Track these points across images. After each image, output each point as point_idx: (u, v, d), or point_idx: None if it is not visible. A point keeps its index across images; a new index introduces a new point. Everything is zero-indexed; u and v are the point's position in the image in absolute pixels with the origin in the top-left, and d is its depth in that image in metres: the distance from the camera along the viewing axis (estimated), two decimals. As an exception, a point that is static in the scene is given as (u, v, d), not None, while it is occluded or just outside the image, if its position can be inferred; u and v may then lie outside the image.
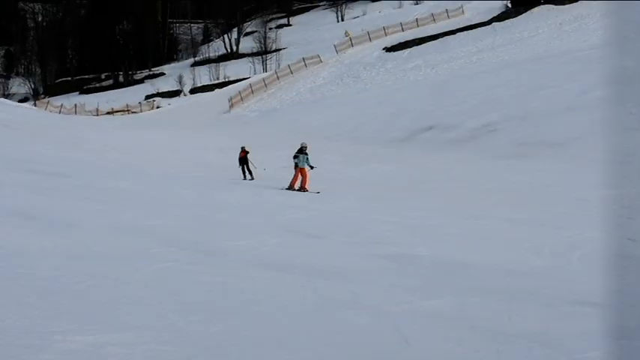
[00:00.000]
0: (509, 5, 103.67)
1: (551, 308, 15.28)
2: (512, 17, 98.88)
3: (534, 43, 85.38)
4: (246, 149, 43.69)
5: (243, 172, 43.40)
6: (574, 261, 20.73)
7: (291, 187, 35.77)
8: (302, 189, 35.18)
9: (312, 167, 36.15)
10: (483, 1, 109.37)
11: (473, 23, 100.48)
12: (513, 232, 25.64)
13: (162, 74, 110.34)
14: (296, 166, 36.10)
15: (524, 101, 60.09)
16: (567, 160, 42.82)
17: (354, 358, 11.05)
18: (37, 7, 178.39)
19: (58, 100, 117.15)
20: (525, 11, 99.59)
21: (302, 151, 36.42)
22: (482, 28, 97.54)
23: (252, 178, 42.75)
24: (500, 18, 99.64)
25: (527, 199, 32.59)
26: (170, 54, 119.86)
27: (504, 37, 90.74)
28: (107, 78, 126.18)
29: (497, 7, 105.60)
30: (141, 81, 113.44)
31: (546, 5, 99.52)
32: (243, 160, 43.40)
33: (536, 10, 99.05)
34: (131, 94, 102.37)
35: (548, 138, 49.53)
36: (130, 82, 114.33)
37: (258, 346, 11.33)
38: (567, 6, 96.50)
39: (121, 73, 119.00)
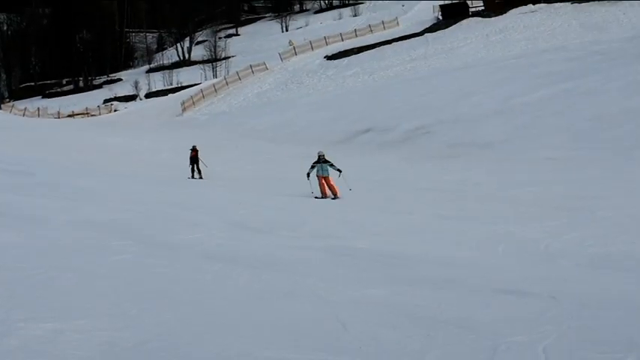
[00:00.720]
0: (440, 17, 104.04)
1: (477, 296, 15.39)
2: (442, 29, 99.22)
3: (463, 52, 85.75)
4: (197, 149, 42.95)
5: (192, 171, 42.65)
6: (499, 253, 20.99)
7: (324, 196, 32.64)
8: (334, 196, 32.45)
9: (339, 171, 32.75)
10: (417, 12, 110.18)
11: (407, 34, 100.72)
12: (444, 227, 25.83)
13: (120, 80, 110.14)
14: (316, 176, 32.85)
15: (454, 106, 60.40)
16: (495, 160, 43.06)
17: (297, 343, 11.09)
18: (2, 16, 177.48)
19: (22, 104, 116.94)
20: (455, 23, 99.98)
21: (319, 160, 33.05)
22: (416, 38, 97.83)
23: (201, 178, 42.09)
24: (431, 29, 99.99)
25: (458, 196, 32.75)
26: (127, 61, 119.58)
27: (436, 47, 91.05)
28: (68, 83, 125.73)
29: (429, 19, 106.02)
30: (99, 86, 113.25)
31: (474, 18, 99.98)
32: (194, 160, 42.63)
33: (464, 22, 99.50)
34: (90, 99, 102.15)
35: (477, 140, 49.78)
36: (90, 87, 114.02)
37: (208, 331, 11.35)
38: (493, 19, 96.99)
39: (81, 78, 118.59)
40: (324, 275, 16.75)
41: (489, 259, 20.30)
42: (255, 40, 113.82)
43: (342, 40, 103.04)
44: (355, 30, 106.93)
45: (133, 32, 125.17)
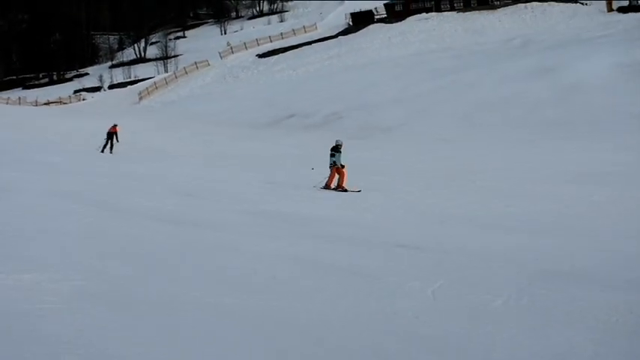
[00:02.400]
0: (351, 23, 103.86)
1: (379, 250, 15.47)
2: (353, 32, 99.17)
3: (370, 51, 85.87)
4: (117, 127, 41.04)
5: (105, 145, 40.38)
6: (399, 216, 21.05)
7: (327, 187, 26.08)
8: (339, 188, 25.80)
9: (342, 166, 26.19)
10: (332, 18, 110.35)
11: (324, 37, 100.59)
12: (354, 196, 25.85)
13: (87, 74, 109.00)
14: (333, 165, 26.02)
15: (362, 95, 60.64)
16: (395, 140, 43.26)
17: (234, 288, 11.18)
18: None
19: (5, 94, 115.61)
20: (363, 28, 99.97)
21: (337, 149, 26.26)
22: (331, 40, 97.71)
23: (111, 152, 39.97)
24: (344, 33, 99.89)
25: (364, 170, 32.75)
26: (93, 58, 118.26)
27: (347, 47, 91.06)
28: (44, 77, 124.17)
29: (341, 25, 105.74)
30: (70, 79, 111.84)
31: (378, 24, 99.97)
32: (110, 135, 40.54)
33: (371, 27, 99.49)
34: (63, 89, 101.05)
35: (380, 124, 50.00)
36: (62, 80, 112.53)
37: (161, 280, 11.44)
38: (394, 24, 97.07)
39: (55, 73, 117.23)
40: (257, 234, 16.82)
41: (391, 221, 20.40)
42: (199, 41, 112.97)
43: (271, 41, 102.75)
44: (281, 33, 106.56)
45: (97, 34, 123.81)
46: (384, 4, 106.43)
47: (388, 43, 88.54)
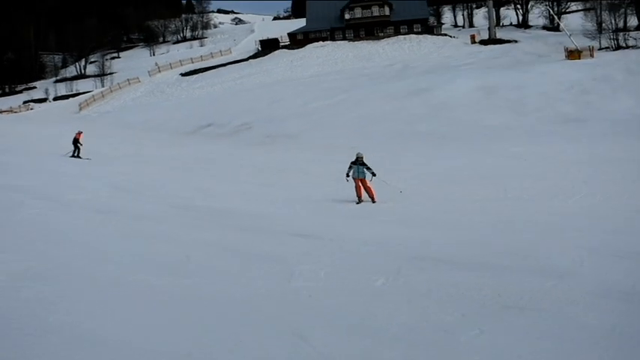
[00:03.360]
0: (260, 48, 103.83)
1: (278, 238, 15.73)
2: (261, 56, 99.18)
3: (275, 73, 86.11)
4: (81, 133, 38.69)
5: (74, 151, 38.10)
6: (297, 209, 21.37)
7: (360, 199, 22.62)
8: (372, 200, 22.36)
9: (373, 175, 22.81)
10: (245, 43, 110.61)
11: (237, 59, 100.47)
12: (260, 191, 26.06)
13: (35, 87, 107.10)
14: (353, 178, 22.80)
15: (269, 109, 60.78)
16: (297, 146, 43.43)
17: (155, 267, 11.77)
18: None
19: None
20: (270, 53, 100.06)
21: (356, 161, 23.02)
22: (243, 62, 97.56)
23: (79, 157, 37.44)
24: (254, 57, 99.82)
25: (270, 171, 32.90)
26: (40, 74, 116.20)
27: (257, 69, 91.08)
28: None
29: (252, 50, 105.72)
30: (20, 92, 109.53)
31: (283, 49, 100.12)
32: (76, 141, 38.09)
33: (276, 52, 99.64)
34: (13, 100, 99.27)
35: (285, 132, 50.16)
36: (13, 92, 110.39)
37: (96, 259, 11.88)
38: (296, 50, 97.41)
39: (7, 86, 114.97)
40: (177, 224, 17.02)
41: (289, 213, 20.70)
42: (131, 61, 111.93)
43: (192, 62, 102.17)
44: (201, 56, 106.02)
45: (44, 54, 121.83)
46: (288, 34, 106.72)
47: (291, 66, 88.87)
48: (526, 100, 51.31)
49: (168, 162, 34.67)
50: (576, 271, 12.28)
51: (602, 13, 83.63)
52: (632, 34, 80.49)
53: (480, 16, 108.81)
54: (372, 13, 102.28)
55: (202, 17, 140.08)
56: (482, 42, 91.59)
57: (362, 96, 60.71)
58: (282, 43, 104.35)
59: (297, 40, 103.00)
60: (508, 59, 75.02)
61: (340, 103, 58.80)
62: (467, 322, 9.59)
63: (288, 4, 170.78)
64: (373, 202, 21.98)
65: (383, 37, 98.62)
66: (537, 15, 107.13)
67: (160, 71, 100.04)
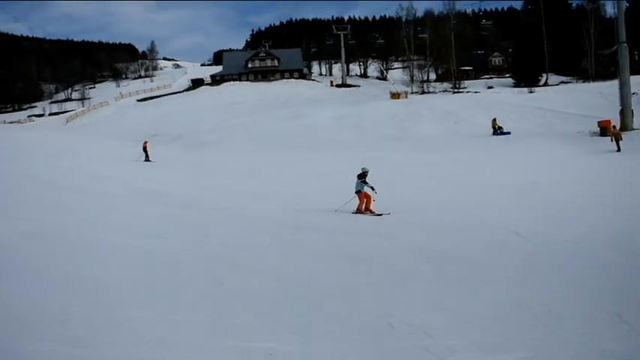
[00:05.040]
0: (191, 85, 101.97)
1: (203, 211, 15.72)
2: (192, 90, 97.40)
3: (201, 101, 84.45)
4: (148, 143, 35.84)
5: (146, 156, 34.37)
6: (216, 191, 21.08)
7: (359, 211, 16.34)
8: (367, 211, 16.36)
9: (372, 189, 16.24)
10: (181, 81, 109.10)
11: (175, 91, 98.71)
12: (193, 180, 25.58)
13: (36, 106, 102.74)
14: (358, 191, 16.71)
15: (196, 125, 59.95)
16: (214, 151, 42.95)
17: (130, 233, 11.31)
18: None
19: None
20: (197, 87, 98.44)
21: (363, 176, 16.76)
22: (180, 93, 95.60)
23: (150, 161, 33.76)
24: (187, 90, 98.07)
25: (196, 167, 32.50)
26: (39, 97, 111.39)
27: (189, 98, 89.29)
28: (9, 107, 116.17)
29: (185, 85, 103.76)
30: (25, 109, 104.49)
31: (206, 86, 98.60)
32: (145, 149, 34.60)
33: (202, 87, 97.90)
34: (20, 115, 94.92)
35: (207, 141, 49.53)
36: (20, 109, 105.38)
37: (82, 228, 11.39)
38: (215, 87, 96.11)
39: (16, 104, 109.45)
40: (126, 204, 16.60)
41: (209, 194, 20.26)
42: (103, 91, 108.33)
43: (145, 92, 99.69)
44: (151, 88, 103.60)
45: (43, 83, 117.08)
46: (210, 75, 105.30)
47: (211, 97, 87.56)
48: (364, 124, 52.23)
49: (126, 160, 33.70)
50: (395, 235, 12.79)
51: (414, 69, 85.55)
52: (432, 84, 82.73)
53: (336, 68, 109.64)
54: (266, 63, 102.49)
55: (152, 62, 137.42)
56: (337, 85, 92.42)
57: (259, 118, 60.65)
58: (206, 82, 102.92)
59: (216, 80, 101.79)
60: (354, 97, 75.95)
61: (245, 123, 58.54)
62: (319, 265, 9.95)
63: (211, 54, 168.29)
64: (371, 213, 15.98)
65: (273, 80, 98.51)
66: (373, 69, 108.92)
67: (122, 98, 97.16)
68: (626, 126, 37.70)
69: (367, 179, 16.11)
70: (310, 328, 6.72)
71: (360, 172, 16.58)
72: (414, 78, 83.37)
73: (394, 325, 6.76)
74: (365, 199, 16.08)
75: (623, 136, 32.27)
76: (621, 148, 30.75)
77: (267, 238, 12.14)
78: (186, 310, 7.03)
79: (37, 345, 5.52)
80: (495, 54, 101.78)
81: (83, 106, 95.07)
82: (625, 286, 8.26)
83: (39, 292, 7.17)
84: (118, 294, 7.51)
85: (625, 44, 39.97)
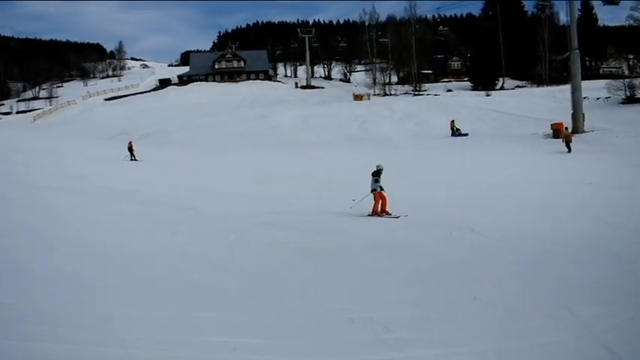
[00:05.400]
0: (158, 84, 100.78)
1: (168, 208, 15.62)
2: (159, 89, 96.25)
3: (168, 101, 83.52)
4: (132, 142, 35.24)
5: (131, 156, 33.67)
6: (181, 189, 20.89)
7: (375, 213, 14.83)
8: (383, 212, 14.86)
9: (381, 189, 15.00)
10: (150, 80, 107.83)
11: (143, 91, 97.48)
12: (159, 176, 25.37)
13: (3, 104, 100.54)
14: (374, 190, 15.15)
15: (163, 124, 59.35)
16: (180, 149, 42.63)
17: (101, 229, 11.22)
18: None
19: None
20: (165, 87, 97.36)
21: (378, 173, 15.38)
22: (147, 93, 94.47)
23: (135, 160, 33.14)
24: (154, 89, 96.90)
25: (166, 163, 32.27)
26: (7, 96, 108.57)
27: (156, 98, 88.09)
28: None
29: (153, 85, 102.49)
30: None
31: (173, 86, 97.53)
32: (130, 148, 33.99)
33: (169, 87, 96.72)
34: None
35: (174, 140, 49.18)
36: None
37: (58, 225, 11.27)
38: (182, 87, 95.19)
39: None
40: (100, 202, 16.47)
41: (175, 192, 20.14)
42: (71, 90, 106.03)
43: (112, 91, 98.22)
44: (119, 88, 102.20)
45: (11, 81, 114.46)
46: (177, 76, 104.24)
47: (178, 97, 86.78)
48: (328, 125, 52.35)
49: (96, 156, 33.27)
50: (356, 232, 12.88)
51: (376, 72, 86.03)
52: (394, 86, 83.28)
53: (301, 70, 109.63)
54: (232, 64, 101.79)
55: (120, 62, 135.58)
56: (302, 87, 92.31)
57: (225, 118, 60.34)
58: (173, 82, 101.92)
59: (183, 81, 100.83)
60: (318, 99, 76.03)
61: (211, 123, 58.15)
62: (282, 262, 10.01)
63: (178, 55, 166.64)
64: (387, 214, 14.69)
65: (239, 81, 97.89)
66: (337, 72, 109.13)
67: (90, 97, 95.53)
68: (577, 128, 38.66)
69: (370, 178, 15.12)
70: (273, 322, 6.77)
71: (375, 169, 15.28)
72: (376, 80, 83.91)
73: (355, 319, 6.84)
74: (380, 200, 14.80)
75: (572, 138, 33.02)
76: (572, 149, 31.51)
77: (233, 236, 12.12)
78: (155, 306, 7.05)
79: (18, 342, 5.52)
80: (454, 58, 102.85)
81: (51, 105, 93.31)
82: (575, 280, 8.48)
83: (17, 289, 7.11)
84: (94, 291, 7.50)
85: (577, 51, 41.07)
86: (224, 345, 5.92)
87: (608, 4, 45.49)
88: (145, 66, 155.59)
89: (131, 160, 33.32)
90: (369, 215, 14.64)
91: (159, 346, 5.74)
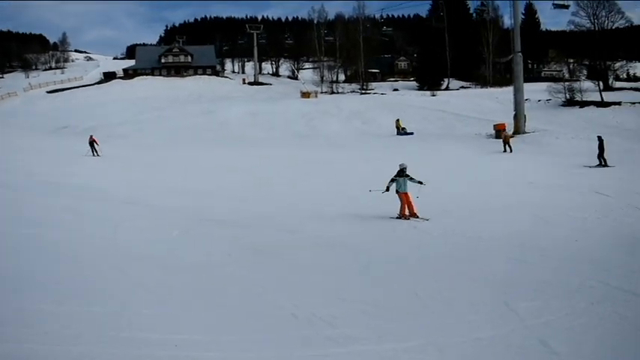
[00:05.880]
0: (103, 78, 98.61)
1: (113, 203, 15.34)
2: (104, 82, 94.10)
3: (113, 94, 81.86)
4: (92, 136, 33.85)
5: (93, 150, 32.73)
6: (126, 184, 20.45)
7: (402, 216, 13.83)
8: (412, 215, 13.86)
9: (421, 183, 14.25)
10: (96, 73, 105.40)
11: (87, 84, 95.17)
12: (103, 170, 24.77)
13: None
14: (396, 191, 14.17)
15: (108, 117, 57.85)
16: (126, 143, 41.75)
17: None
18: None
19: None
20: (110, 81, 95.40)
21: (401, 173, 14.32)
22: (91, 86, 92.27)
23: (97, 155, 32.32)
24: (99, 82, 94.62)
25: (110, 158, 31.46)
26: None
27: (101, 91, 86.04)
28: None
29: (98, 78, 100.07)
30: None
31: (119, 79, 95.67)
32: (91, 143, 32.95)
33: (114, 81, 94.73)
34: None
35: (119, 134, 48.15)
36: None
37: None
38: (128, 80, 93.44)
39: None
40: (38, 197, 16.04)
41: (120, 186, 19.76)
42: (12, 81, 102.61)
43: (55, 84, 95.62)
44: (62, 80, 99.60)
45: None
46: (122, 69, 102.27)
47: (123, 90, 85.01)
48: (275, 122, 52.17)
49: (40, 151, 32.27)
50: (299, 228, 12.90)
51: (324, 70, 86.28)
52: (341, 84, 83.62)
53: (249, 66, 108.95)
54: (179, 59, 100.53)
55: (64, 54, 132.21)
56: (250, 83, 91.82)
57: (171, 113, 59.39)
58: (119, 75, 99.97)
59: (129, 74, 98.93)
60: (265, 95, 75.79)
61: (156, 117, 57.15)
62: (226, 258, 9.98)
63: (124, 48, 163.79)
64: (415, 216, 13.74)
65: (186, 76, 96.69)
66: (285, 69, 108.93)
67: (32, 89, 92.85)
68: (518, 129, 39.70)
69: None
70: (215, 318, 6.77)
71: (399, 169, 14.26)
72: (324, 78, 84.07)
73: (298, 315, 6.89)
74: (407, 202, 13.80)
75: (511, 139, 33.95)
76: (512, 149, 32.40)
77: (176, 231, 11.98)
78: (96, 302, 6.95)
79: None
80: (402, 58, 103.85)
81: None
82: (513, 276, 8.72)
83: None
84: (33, 288, 7.37)
85: (520, 53, 42.18)
86: (166, 342, 5.89)
87: (558, 8, 46.82)
88: (90, 58, 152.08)
89: (93, 155, 32.34)
90: (397, 217, 13.67)
91: (100, 343, 5.67)
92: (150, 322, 6.46)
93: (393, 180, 14.12)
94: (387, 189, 14.09)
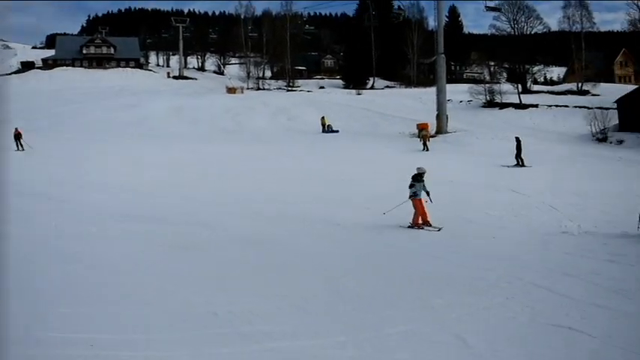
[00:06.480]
0: (21, 67, 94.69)
1: (30, 199, 14.80)
2: (22, 72, 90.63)
3: (30, 86, 79.09)
4: (19, 129, 32.79)
5: (17, 144, 31.90)
6: (42, 181, 19.76)
7: (415, 225, 12.68)
8: (425, 223, 12.73)
9: (428, 194, 12.96)
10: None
11: (3, 73, 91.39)
12: (24, 164, 23.85)
13: None
14: (413, 196, 12.95)
15: (24, 110, 55.71)
16: (44, 136, 40.12)
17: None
18: None
19: None
20: (28, 71, 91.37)
21: (419, 178, 13.16)
22: (8, 76, 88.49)
23: (22, 149, 31.29)
24: (17, 72, 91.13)
25: (35, 153, 30.26)
26: None
27: (17, 82, 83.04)
28: None
29: (15, 67, 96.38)
30: None
31: (37, 69, 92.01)
32: (17, 136, 31.93)
33: (32, 71, 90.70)
34: None
35: (37, 127, 46.29)
36: None
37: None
38: (47, 71, 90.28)
39: None
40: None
41: (42, 184, 19.11)
42: None
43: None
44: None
45: None
46: (42, 59, 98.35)
47: (42, 81, 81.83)
48: (200, 117, 51.48)
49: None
50: (220, 224, 12.80)
51: (250, 66, 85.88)
52: (267, 81, 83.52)
53: (174, 60, 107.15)
54: (102, 50, 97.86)
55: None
56: (175, 77, 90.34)
57: (91, 106, 57.55)
58: (37, 65, 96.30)
59: (49, 64, 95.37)
60: (190, 90, 74.65)
61: (76, 110, 55.40)
62: (144, 255, 9.84)
63: (44, 37, 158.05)
64: (427, 224, 12.81)
65: (108, 68, 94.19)
66: (211, 63, 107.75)
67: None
68: (440, 129, 40.72)
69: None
70: (132, 317, 6.66)
71: (416, 172, 13.34)
72: (250, 74, 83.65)
73: (218, 312, 6.84)
74: (422, 211, 12.83)
75: (430, 138, 35.04)
76: (429, 148, 33.27)
77: (94, 228, 11.67)
78: (6, 302, 6.73)
79: None
80: (328, 56, 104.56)
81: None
82: (431, 273, 8.93)
83: None
84: None
85: (443, 55, 43.30)
86: (81, 341, 5.81)
87: (490, 11, 48.23)
88: (7, 47, 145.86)
89: (17, 150, 30.93)
90: (409, 227, 12.75)
91: (14, 344, 5.56)
92: (65, 320, 6.35)
93: (411, 185, 13.10)
94: (415, 194, 12.93)
